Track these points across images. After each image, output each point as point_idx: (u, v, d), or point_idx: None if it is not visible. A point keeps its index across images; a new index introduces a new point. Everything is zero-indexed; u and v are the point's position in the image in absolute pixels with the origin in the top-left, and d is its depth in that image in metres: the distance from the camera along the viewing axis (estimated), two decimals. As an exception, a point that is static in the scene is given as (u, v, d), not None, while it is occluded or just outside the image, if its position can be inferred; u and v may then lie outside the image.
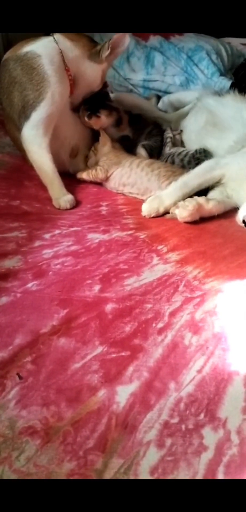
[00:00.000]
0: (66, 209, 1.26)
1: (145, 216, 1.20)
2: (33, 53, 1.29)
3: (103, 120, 1.44)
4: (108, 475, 0.55)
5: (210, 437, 0.60)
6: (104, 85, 1.51)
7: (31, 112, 1.28)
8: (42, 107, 1.28)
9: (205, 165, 1.26)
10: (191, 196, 1.20)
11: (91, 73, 1.39)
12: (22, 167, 1.40)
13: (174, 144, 1.58)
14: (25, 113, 1.29)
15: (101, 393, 0.66)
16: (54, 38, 1.33)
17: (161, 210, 1.20)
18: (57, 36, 1.34)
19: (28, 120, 1.28)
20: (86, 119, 1.41)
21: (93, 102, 1.42)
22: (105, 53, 1.36)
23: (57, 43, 1.32)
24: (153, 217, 1.21)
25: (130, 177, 1.37)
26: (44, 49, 1.31)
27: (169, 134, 1.57)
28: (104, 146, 1.45)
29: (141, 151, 1.52)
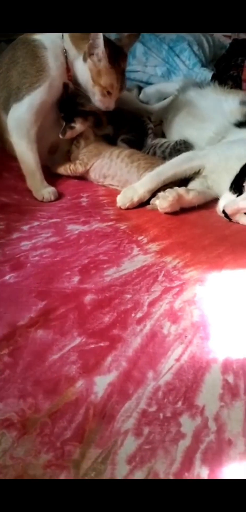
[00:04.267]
0: (50, 201, 1.25)
1: (120, 207, 1.20)
2: (41, 43, 1.31)
3: (79, 128, 1.40)
4: (86, 465, 0.55)
5: (188, 424, 0.60)
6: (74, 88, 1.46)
7: (25, 95, 1.28)
8: (37, 93, 1.28)
9: (182, 156, 1.26)
10: (171, 187, 1.20)
11: (82, 72, 1.35)
12: (1, 158, 1.38)
13: (155, 135, 1.58)
14: (17, 95, 1.29)
15: (79, 383, 0.65)
16: (62, 36, 1.32)
17: (135, 199, 1.20)
18: (65, 35, 1.33)
19: (19, 102, 1.28)
20: (61, 136, 1.39)
21: (69, 110, 1.38)
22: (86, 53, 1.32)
23: (63, 43, 1.32)
24: (131, 208, 1.20)
25: (110, 168, 1.36)
26: (51, 44, 1.31)
27: (149, 125, 1.56)
28: (87, 139, 1.43)
29: (121, 145, 1.51)
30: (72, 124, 1.39)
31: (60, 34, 1.33)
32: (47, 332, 0.74)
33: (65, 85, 1.35)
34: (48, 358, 0.69)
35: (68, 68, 1.34)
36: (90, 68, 1.32)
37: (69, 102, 1.38)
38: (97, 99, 1.36)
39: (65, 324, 0.76)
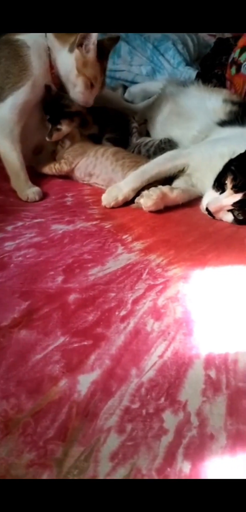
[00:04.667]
0: (35, 201, 1.24)
1: (105, 206, 1.20)
2: (23, 42, 1.30)
3: (65, 130, 1.40)
4: (68, 463, 0.55)
5: (170, 420, 0.60)
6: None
7: (8, 95, 1.28)
8: (20, 93, 1.28)
9: (167, 154, 1.27)
10: (155, 186, 1.20)
11: (66, 63, 1.35)
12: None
13: (140, 134, 1.59)
14: (0, 95, 1.28)
15: (63, 382, 0.65)
16: (45, 34, 1.33)
17: (120, 198, 1.21)
18: (49, 34, 1.33)
19: (2, 102, 1.28)
20: (47, 139, 1.38)
21: (54, 111, 1.38)
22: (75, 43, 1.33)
23: (46, 41, 1.32)
24: (115, 207, 1.21)
25: (95, 166, 1.36)
26: (34, 43, 1.31)
27: (134, 124, 1.57)
28: (73, 139, 1.43)
29: (106, 144, 1.52)
30: (59, 126, 1.38)
31: (43, 33, 1.33)
32: (31, 332, 0.74)
33: (47, 87, 1.34)
34: (31, 358, 0.69)
35: (51, 66, 1.34)
36: (76, 58, 1.33)
37: (54, 104, 1.38)
38: (79, 91, 1.36)
39: (49, 324, 0.76)
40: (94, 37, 1.30)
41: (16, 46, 1.30)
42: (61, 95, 1.38)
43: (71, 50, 1.33)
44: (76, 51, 1.31)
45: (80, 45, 1.31)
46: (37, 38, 1.33)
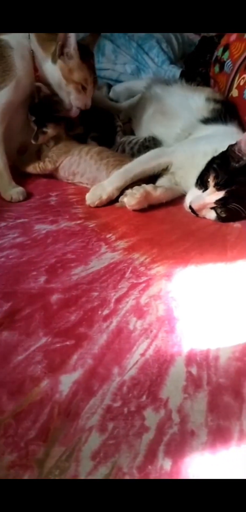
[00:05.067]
0: (19, 201, 1.24)
1: (89, 205, 1.20)
2: (6, 43, 1.30)
3: (51, 133, 1.40)
4: (50, 463, 0.55)
5: (152, 417, 0.61)
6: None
7: None
8: (3, 93, 1.28)
9: (150, 153, 1.28)
10: (139, 184, 1.21)
11: (53, 74, 1.36)
12: None
13: (125, 133, 1.59)
14: None
15: (44, 383, 0.65)
16: (29, 36, 1.32)
17: (104, 197, 1.21)
18: (32, 36, 1.32)
19: None
20: (33, 142, 1.38)
21: (41, 113, 1.37)
22: (56, 54, 1.33)
23: (30, 43, 1.32)
24: (99, 206, 1.21)
25: (79, 165, 1.36)
26: (17, 44, 1.31)
27: (118, 123, 1.57)
28: (58, 138, 1.42)
29: (91, 143, 1.51)
30: (44, 129, 1.38)
31: (27, 34, 1.32)
32: (13, 333, 0.74)
33: (37, 88, 1.34)
34: (13, 359, 0.69)
35: (35, 69, 1.34)
36: (61, 69, 1.33)
37: (41, 106, 1.37)
38: (74, 98, 1.36)
39: (31, 325, 0.76)
40: (73, 42, 1.29)
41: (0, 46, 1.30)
42: (52, 99, 1.38)
43: (54, 61, 1.33)
44: (59, 61, 1.32)
45: (61, 54, 1.31)
46: (21, 39, 1.32)
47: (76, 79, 1.34)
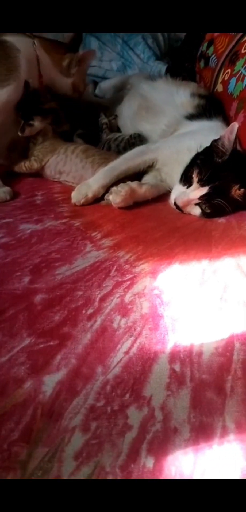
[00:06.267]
0: (6, 201, 1.23)
1: (75, 204, 1.20)
2: (13, 45, 1.32)
3: (38, 126, 1.40)
4: (32, 464, 0.55)
5: (135, 416, 0.61)
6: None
7: None
8: (5, 91, 1.30)
9: (135, 150, 1.28)
10: (124, 182, 1.20)
11: (62, 86, 1.47)
12: None
13: (111, 130, 1.58)
14: None
15: (28, 384, 0.65)
16: (34, 42, 1.37)
17: (90, 195, 1.20)
18: (37, 42, 1.37)
19: None
20: (19, 134, 1.37)
21: (27, 107, 1.38)
22: (74, 69, 1.46)
23: (35, 50, 1.37)
24: (85, 204, 1.20)
25: (65, 164, 1.36)
26: (24, 49, 1.34)
27: (104, 120, 1.57)
28: (45, 136, 1.42)
29: (77, 140, 1.51)
30: (31, 122, 1.37)
31: (31, 40, 1.37)
32: (-4, 335, 0.73)
33: (26, 83, 1.34)
34: (-4, 361, 0.69)
35: (40, 75, 1.37)
36: (74, 83, 1.50)
37: (28, 100, 1.36)
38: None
39: (15, 326, 0.75)
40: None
41: (6, 47, 1.32)
42: (37, 93, 1.39)
43: (67, 75, 1.45)
44: (75, 79, 1.47)
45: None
46: (27, 44, 1.36)
47: (81, 90, 1.52)
